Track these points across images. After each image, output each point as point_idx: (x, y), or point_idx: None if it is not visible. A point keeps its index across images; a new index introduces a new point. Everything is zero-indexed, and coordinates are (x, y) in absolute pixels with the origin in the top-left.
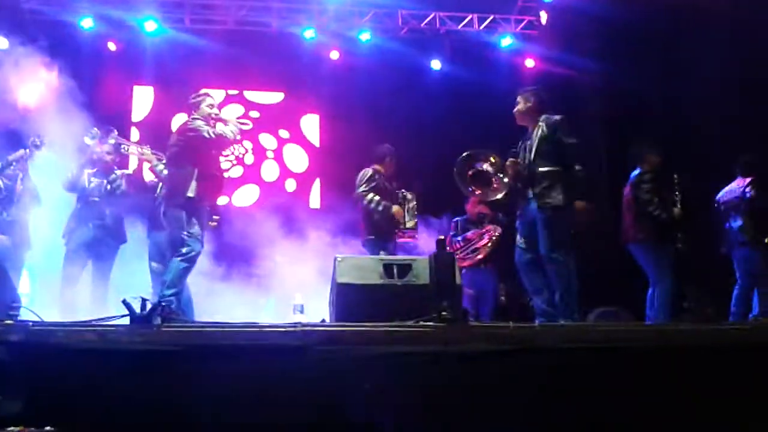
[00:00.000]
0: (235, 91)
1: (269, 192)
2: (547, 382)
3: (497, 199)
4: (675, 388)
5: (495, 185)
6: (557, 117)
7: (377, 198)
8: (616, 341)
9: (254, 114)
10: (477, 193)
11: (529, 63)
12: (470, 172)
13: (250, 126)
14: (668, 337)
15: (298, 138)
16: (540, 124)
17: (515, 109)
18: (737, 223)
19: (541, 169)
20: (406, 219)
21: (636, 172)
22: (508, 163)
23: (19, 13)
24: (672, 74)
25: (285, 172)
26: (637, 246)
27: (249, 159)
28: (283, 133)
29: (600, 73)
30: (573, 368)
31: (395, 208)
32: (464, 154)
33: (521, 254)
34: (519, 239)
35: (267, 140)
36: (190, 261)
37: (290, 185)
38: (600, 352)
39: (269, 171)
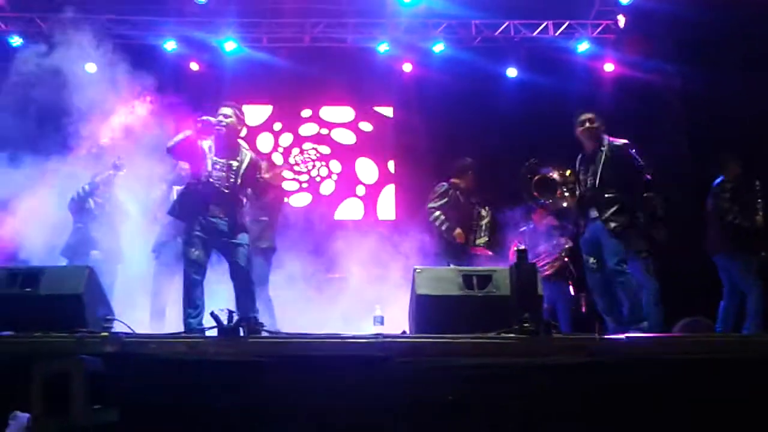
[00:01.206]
0: (309, 112)
1: (342, 204)
2: (634, 394)
3: (564, 210)
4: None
5: (559, 194)
6: (622, 141)
7: (442, 218)
8: (703, 352)
9: (325, 131)
10: (540, 199)
11: (609, 67)
12: (536, 177)
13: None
14: (753, 348)
15: (372, 150)
16: (603, 148)
17: (579, 130)
18: None
19: (607, 195)
20: (479, 236)
21: (717, 181)
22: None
23: (106, 38)
24: (755, 76)
25: (357, 184)
26: (721, 257)
27: (323, 171)
28: (356, 146)
29: (681, 76)
30: (661, 379)
31: (457, 231)
32: (531, 160)
33: (591, 274)
34: (586, 258)
35: (341, 153)
36: None
37: (364, 196)
38: (688, 363)
39: (343, 182)
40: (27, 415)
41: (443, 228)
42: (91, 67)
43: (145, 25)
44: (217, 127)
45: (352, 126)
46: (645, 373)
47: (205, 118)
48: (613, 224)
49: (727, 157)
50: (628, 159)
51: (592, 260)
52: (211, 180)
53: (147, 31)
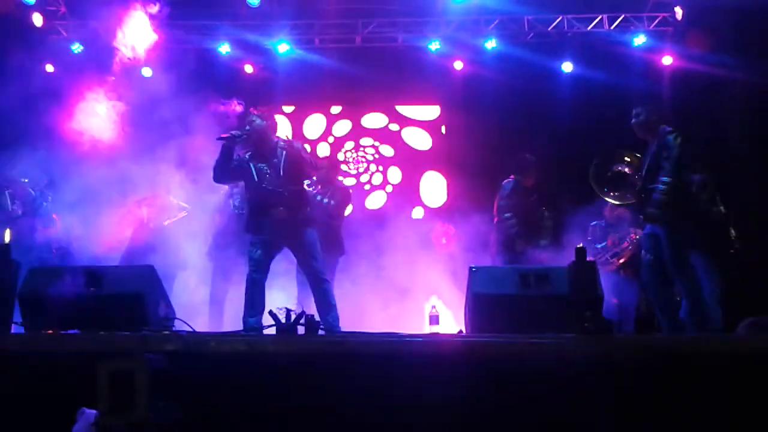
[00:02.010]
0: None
1: (395, 201)
2: (699, 395)
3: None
4: None
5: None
6: (670, 130)
7: (514, 221)
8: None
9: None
10: (615, 195)
11: (667, 60)
12: (608, 175)
13: None
14: None
15: (426, 148)
16: (655, 139)
17: (636, 121)
18: None
19: (650, 187)
20: (543, 237)
21: None
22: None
23: (163, 43)
24: None
25: (410, 181)
26: None
27: (377, 175)
28: (410, 144)
29: (743, 68)
30: (727, 380)
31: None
32: (597, 160)
33: (646, 269)
34: (643, 253)
35: (390, 151)
36: None
37: (417, 194)
38: (754, 364)
39: (394, 178)
40: (94, 411)
41: (514, 230)
42: (147, 72)
43: (200, 29)
44: (244, 136)
45: (425, 126)
46: (712, 373)
47: (225, 135)
48: (661, 214)
49: None
50: (673, 148)
51: (645, 254)
52: (263, 186)
53: (202, 35)
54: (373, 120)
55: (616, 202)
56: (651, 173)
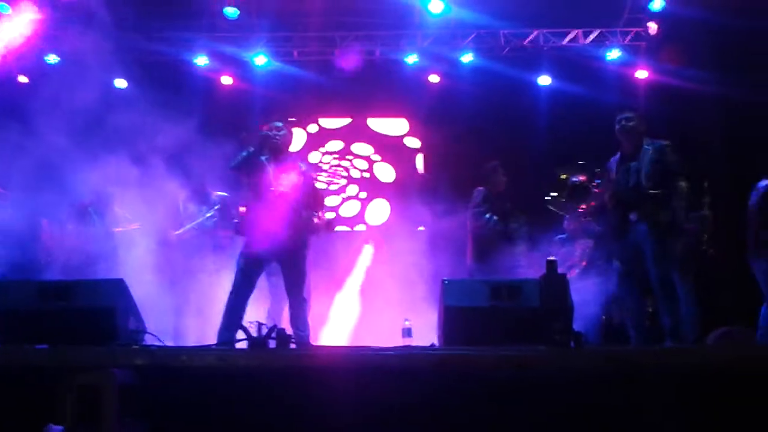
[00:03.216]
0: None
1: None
2: (669, 407)
3: (587, 211)
4: None
5: (593, 193)
6: (665, 142)
7: (495, 218)
8: (741, 366)
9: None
10: (581, 208)
11: (641, 74)
12: (569, 189)
13: None
14: None
15: (400, 162)
16: (646, 147)
17: (627, 127)
18: None
19: (652, 191)
20: (518, 245)
21: (763, 183)
22: (600, 182)
23: (137, 53)
24: None
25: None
26: (759, 262)
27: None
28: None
29: (715, 83)
30: (696, 392)
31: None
32: (559, 173)
33: (622, 279)
34: (618, 264)
35: (364, 165)
36: None
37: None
38: (727, 377)
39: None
40: (60, 428)
41: (495, 228)
42: (121, 83)
43: (176, 41)
44: (274, 141)
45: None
46: (681, 386)
47: (264, 132)
48: (659, 220)
49: None
50: (673, 158)
51: (621, 265)
52: (273, 195)
53: (178, 46)
54: (349, 133)
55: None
56: (653, 182)
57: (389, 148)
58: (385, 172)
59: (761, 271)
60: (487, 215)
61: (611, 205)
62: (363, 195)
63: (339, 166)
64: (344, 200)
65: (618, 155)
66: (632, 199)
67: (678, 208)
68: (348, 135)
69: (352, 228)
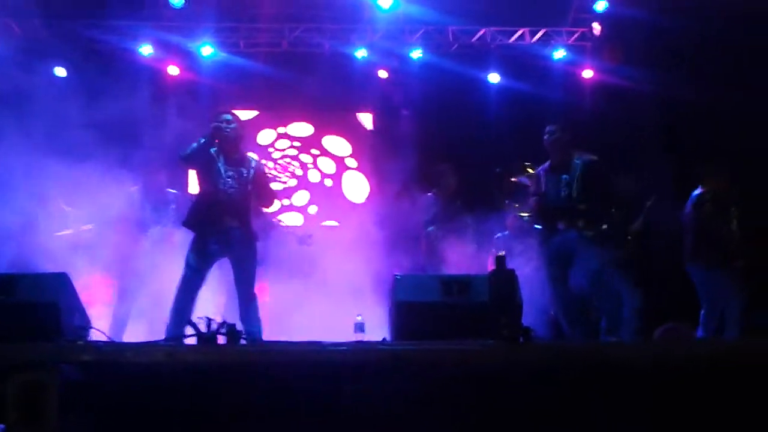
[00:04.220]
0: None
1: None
2: (616, 403)
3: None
4: (745, 407)
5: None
6: (594, 158)
7: (438, 232)
8: (681, 359)
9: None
10: (516, 206)
11: (587, 74)
12: (509, 185)
13: None
14: (736, 354)
15: (350, 159)
16: (576, 162)
17: (551, 139)
18: None
19: (581, 206)
20: (467, 244)
21: (697, 191)
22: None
23: (78, 41)
24: (730, 83)
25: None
26: (696, 266)
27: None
28: (317, 151)
29: (657, 83)
30: (644, 387)
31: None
32: (499, 169)
33: (555, 285)
34: (549, 270)
35: (321, 163)
36: None
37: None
38: (669, 370)
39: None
40: (1, 426)
41: (438, 242)
42: (61, 71)
43: (120, 29)
44: (225, 132)
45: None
46: (629, 380)
47: (215, 124)
48: (590, 233)
49: (708, 168)
50: (602, 174)
51: (553, 271)
52: (224, 188)
53: (122, 35)
54: (298, 128)
55: (521, 214)
56: (583, 194)
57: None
58: (331, 166)
59: (697, 277)
60: (430, 228)
61: (538, 215)
62: (314, 186)
63: (288, 159)
64: (294, 191)
65: (548, 163)
66: (561, 211)
67: (607, 221)
68: (296, 129)
69: (303, 222)
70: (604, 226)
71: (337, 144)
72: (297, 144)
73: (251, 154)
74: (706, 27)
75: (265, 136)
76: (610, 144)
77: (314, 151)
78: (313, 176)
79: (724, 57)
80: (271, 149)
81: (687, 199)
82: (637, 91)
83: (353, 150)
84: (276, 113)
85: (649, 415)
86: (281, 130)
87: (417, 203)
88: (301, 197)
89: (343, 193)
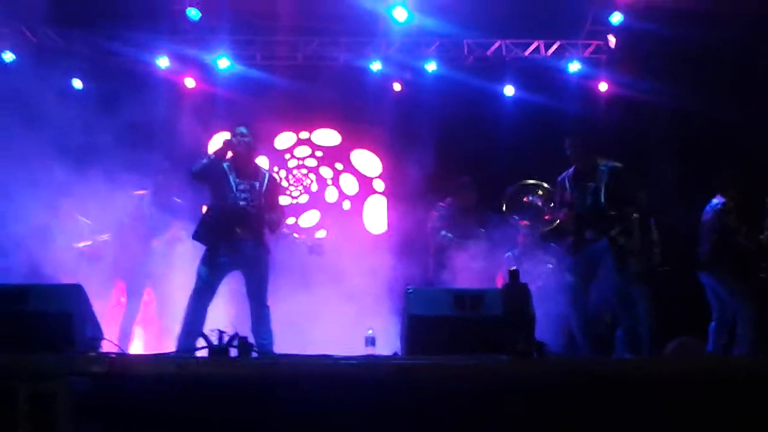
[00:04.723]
0: (306, 134)
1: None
2: (628, 416)
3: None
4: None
5: (546, 217)
6: (619, 165)
7: (450, 236)
8: (695, 374)
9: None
10: (524, 224)
11: (603, 86)
12: (521, 204)
13: None
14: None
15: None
16: (602, 168)
17: (574, 149)
18: None
19: (611, 214)
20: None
21: (718, 200)
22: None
23: (95, 53)
24: (747, 97)
25: (349, 202)
26: (714, 276)
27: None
28: (341, 166)
29: (671, 95)
30: (655, 402)
31: None
32: (512, 189)
33: (577, 293)
34: (572, 278)
35: (343, 181)
36: None
37: (354, 214)
38: (682, 386)
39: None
40: None
41: (450, 245)
42: (77, 83)
43: (137, 42)
44: (239, 147)
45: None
46: (643, 396)
47: (227, 138)
48: (623, 240)
49: (728, 176)
50: (628, 181)
51: (576, 280)
52: (235, 202)
53: (139, 47)
54: (323, 136)
55: (543, 228)
56: (611, 201)
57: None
58: (354, 185)
59: (713, 287)
60: (443, 232)
61: (569, 225)
62: (330, 199)
63: (306, 170)
64: (304, 209)
65: (572, 170)
66: (591, 219)
67: (634, 228)
68: (322, 136)
69: (314, 234)
70: (634, 235)
71: (366, 160)
72: (319, 154)
73: (262, 167)
74: (721, 39)
75: (283, 140)
76: (625, 157)
77: (338, 166)
78: (330, 195)
79: (739, 69)
80: (287, 155)
81: (697, 209)
82: (652, 104)
83: (383, 170)
84: (293, 125)
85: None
86: (304, 135)
87: (431, 212)
88: (310, 218)
89: (362, 219)
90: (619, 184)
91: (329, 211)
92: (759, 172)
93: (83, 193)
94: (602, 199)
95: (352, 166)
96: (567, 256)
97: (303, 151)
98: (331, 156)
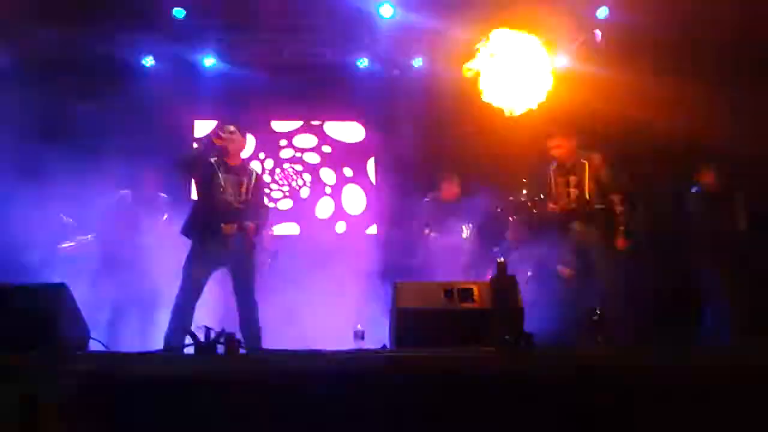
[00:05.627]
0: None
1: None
2: (618, 407)
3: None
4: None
5: (533, 211)
6: (599, 155)
7: (434, 234)
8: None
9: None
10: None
11: (589, 79)
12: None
13: None
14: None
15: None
16: (583, 161)
17: (556, 150)
18: None
19: (597, 207)
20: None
21: (693, 189)
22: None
23: (79, 52)
24: (728, 88)
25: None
26: (701, 267)
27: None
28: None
29: (656, 87)
30: (648, 393)
31: None
32: (500, 209)
33: (562, 283)
34: (561, 268)
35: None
36: None
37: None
38: (669, 376)
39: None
40: None
41: (435, 243)
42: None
43: (122, 41)
44: (226, 142)
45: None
46: (633, 387)
47: (215, 133)
48: (610, 232)
49: (703, 166)
50: (609, 171)
51: (564, 269)
52: (222, 197)
53: (124, 46)
54: (302, 140)
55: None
56: (595, 194)
57: (341, 151)
58: (333, 176)
59: (704, 278)
60: (426, 230)
61: (555, 218)
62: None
63: (291, 166)
64: (295, 203)
65: (555, 163)
66: (576, 212)
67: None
68: (299, 138)
69: (301, 230)
70: (623, 227)
71: (340, 154)
72: (327, 149)
73: (251, 168)
74: (706, 33)
75: (269, 146)
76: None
77: (347, 171)
78: (323, 211)
79: (724, 62)
80: (283, 141)
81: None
82: (635, 96)
83: (355, 163)
84: (280, 123)
85: (648, 421)
86: (283, 142)
87: (415, 207)
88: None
89: (343, 207)
90: (600, 174)
91: (315, 225)
92: (750, 164)
93: (67, 192)
94: (585, 192)
95: (329, 159)
96: (555, 249)
97: (307, 140)
98: (342, 156)
